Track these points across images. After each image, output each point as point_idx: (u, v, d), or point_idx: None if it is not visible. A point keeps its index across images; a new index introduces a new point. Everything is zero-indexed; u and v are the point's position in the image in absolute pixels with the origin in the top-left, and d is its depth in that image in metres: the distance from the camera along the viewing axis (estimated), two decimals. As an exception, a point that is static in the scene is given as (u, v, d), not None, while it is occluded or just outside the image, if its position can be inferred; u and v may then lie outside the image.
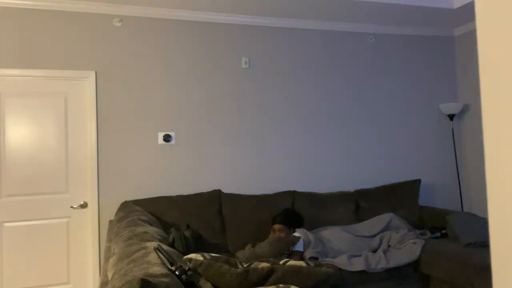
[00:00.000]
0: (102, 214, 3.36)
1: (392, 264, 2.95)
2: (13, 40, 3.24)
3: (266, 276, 1.80)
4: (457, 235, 3.18)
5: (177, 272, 1.63)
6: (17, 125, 3.24)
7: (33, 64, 3.27)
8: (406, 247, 3.13)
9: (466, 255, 2.85)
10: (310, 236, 3.10)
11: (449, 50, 4.55)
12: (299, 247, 3.00)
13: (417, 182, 4.02)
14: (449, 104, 4.23)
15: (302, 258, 2.96)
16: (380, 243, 3.28)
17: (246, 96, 3.81)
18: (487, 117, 0.61)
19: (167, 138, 3.56)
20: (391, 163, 4.24)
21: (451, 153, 4.47)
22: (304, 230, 3.15)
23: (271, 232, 3.19)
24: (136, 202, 3.25)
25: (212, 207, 3.39)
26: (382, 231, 3.41)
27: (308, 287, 1.81)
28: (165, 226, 3.13)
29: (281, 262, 2.03)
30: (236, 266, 1.93)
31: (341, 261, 2.94)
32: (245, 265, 1.94)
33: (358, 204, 3.75)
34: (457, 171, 4.30)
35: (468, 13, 3.98)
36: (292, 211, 3.32)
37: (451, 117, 4.29)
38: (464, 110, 4.46)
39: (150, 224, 2.65)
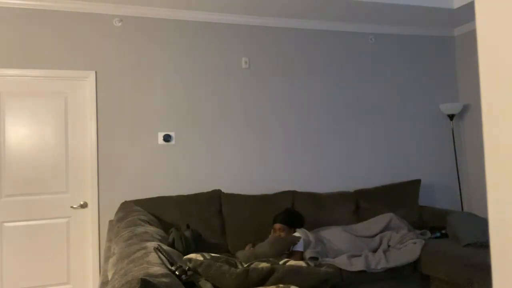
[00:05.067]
0: (102, 214, 3.36)
1: (392, 264, 2.95)
2: (13, 40, 3.24)
3: (266, 276, 1.80)
4: (457, 235, 3.18)
5: (177, 272, 1.63)
6: (17, 125, 3.24)
7: (33, 64, 3.27)
8: (406, 247, 3.13)
9: (466, 255, 2.85)
10: (311, 236, 3.10)
11: (449, 50, 4.55)
12: (299, 247, 3.00)
13: (417, 182, 4.02)
14: (449, 104, 4.23)
15: (302, 258, 2.96)
16: (380, 243, 3.27)
17: (246, 96, 3.81)
18: (487, 117, 0.61)
19: (167, 138, 3.56)
20: (391, 163, 4.24)
21: (451, 153, 4.47)
22: (305, 230, 3.15)
23: (272, 231, 3.19)
24: (136, 202, 3.25)
25: (212, 207, 3.38)
26: (382, 231, 3.41)
27: (308, 287, 1.81)
28: (165, 226, 3.13)
29: (281, 262, 2.03)
30: (236, 266, 1.93)
31: (341, 261, 2.94)
32: (245, 265, 1.94)
33: (358, 204, 3.75)
34: (457, 171, 4.30)
35: (468, 13, 3.98)
36: (293, 211, 3.32)
37: (451, 117, 4.29)
38: (464, 110, 4.46)
39: (150, 224, 2.65)
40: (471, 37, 4.37)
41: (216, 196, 3.45)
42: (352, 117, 4.14)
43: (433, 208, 3.87)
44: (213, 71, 3.73)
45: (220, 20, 3.74)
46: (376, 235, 3.38)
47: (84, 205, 3.36)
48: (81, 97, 3.41)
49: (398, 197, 3.86)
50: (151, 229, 2.38)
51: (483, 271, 2.64)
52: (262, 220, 3.39)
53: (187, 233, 2.95)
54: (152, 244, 1.90)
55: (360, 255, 3.04)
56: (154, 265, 1.56)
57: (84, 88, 3.42)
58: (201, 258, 1.87)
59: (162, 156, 3.55)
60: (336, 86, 4.10)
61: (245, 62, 3.81)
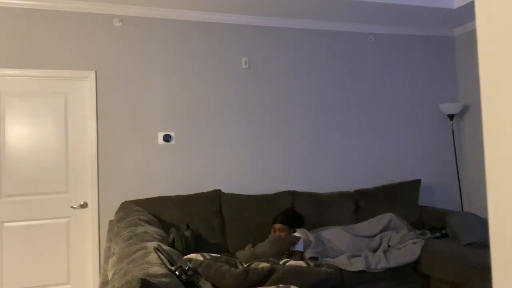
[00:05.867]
0: (102, 214, 3.37)
1: (392, 264, 2.95)
2: (13, 40, 3.24)
3: (266, 276, 1.80)
4: (457, 235, 3.18)
5: (177, 272, 1.63)
6: (17, 125, 3.24)
7: (33, 64, 3.27)
8: (406, 247, 3.13)
9: (466, 255, 2.85)
10: (311, 236, 3.10)
11: (449, 50, 4.55)
12: (299, 247, 3.00)
13: (417, 182, 4.02)
14: (449, 104, 4.23)
15: (302, 258, 2.96)
16: (380, 243, 3.28)
17: (246, 96, 3.81)
18: (487, 117, 0.61)
19: (167, 138, 3.56)
20: (391, 163, 4.24)
21: (451, 153, 4.47)
22: (305, 230, 3.15)
23: (272, 231, 3.19)
24: (136, 202, 3.25)
25: (212, 207, 3.38)
26: (382, 231, 3.41)
27: (308, 287, 1.81)
28: (165, 226, 3.13)
29: (281, 262, 2.04)
30: (236, 266, 1.93)
31: (341, 261, 2.94)
32: (245, 265, 1.94)
33: (358, 204, 3.75)
34: (457, 171, 4.30)
35: (468, 13, 3.98)
36: (293, 211, 3.32)
37: (451, 117, 4.29)
38: (464, 110, 4.46)
39: (150, 224, 2.65)
40: (471, 37, 4.37)
41: (216, 196, 3.45)
42: (352, 117, 4.13)
43: (433, 208, 3.87)
44: (213, 71, 3.73)
45: (220, 20, 3.74)
46: (376, 235, 3.38)
47: (84, 205, 3.36)
48: (81, 97, 3.41)
49: (398, 197, 3.86)
50: (151, 229, 2.38)
51: (483, 271, 2.64)
52: (262, 220, 3.39)
53: (187, 233, 2.95)
54: (152, 244, 1.90)
55: (360, 255, 3.04)
56: (154, 265, 1.56)
57: (84, 88, 3.42)
58: (201, 258, 1.87)
59: (162, 156, 3.55)
60: (336, 86, 4.10)
61: (245, 62, 3.81)
